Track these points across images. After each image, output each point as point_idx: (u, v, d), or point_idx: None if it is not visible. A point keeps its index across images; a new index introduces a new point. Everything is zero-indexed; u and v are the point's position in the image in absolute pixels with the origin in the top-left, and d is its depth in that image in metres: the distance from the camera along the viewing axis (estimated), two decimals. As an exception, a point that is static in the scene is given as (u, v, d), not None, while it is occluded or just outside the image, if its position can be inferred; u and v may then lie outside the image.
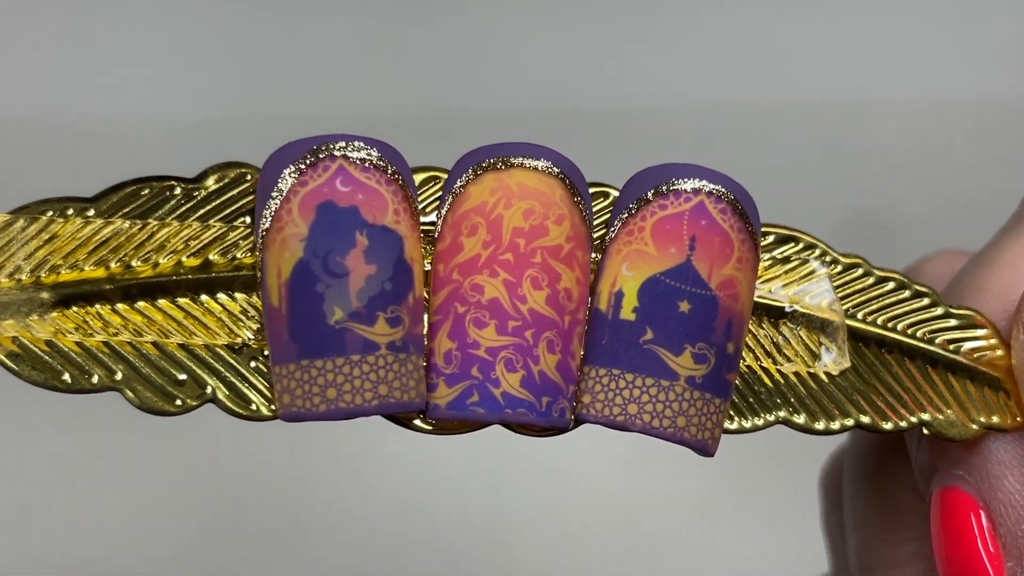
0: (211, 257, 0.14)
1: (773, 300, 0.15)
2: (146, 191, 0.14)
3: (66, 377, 0.14)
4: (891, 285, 0.16)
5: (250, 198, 0.14)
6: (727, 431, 0.15)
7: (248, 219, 0.14)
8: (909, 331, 0.16)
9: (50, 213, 0.14)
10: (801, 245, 0.16)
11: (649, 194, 0.14)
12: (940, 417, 0.16)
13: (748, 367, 0.15)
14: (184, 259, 0.14)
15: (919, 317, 0.16)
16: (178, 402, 0.14)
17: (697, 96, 0.38)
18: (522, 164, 0.14)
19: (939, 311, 0.16)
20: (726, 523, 0.36)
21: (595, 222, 0.15)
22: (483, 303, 0.14)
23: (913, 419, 0.15)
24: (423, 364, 0.14)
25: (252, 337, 0.14)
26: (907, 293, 0.16)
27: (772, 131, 0.38)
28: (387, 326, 0.13)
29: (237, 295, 0.14)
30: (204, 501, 0.36)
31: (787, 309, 0.15)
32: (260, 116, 0.36)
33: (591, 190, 0.15)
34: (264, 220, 0.14)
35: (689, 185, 0.14)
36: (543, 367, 0.14)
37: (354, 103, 0.36)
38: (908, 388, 0.16)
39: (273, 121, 0.35)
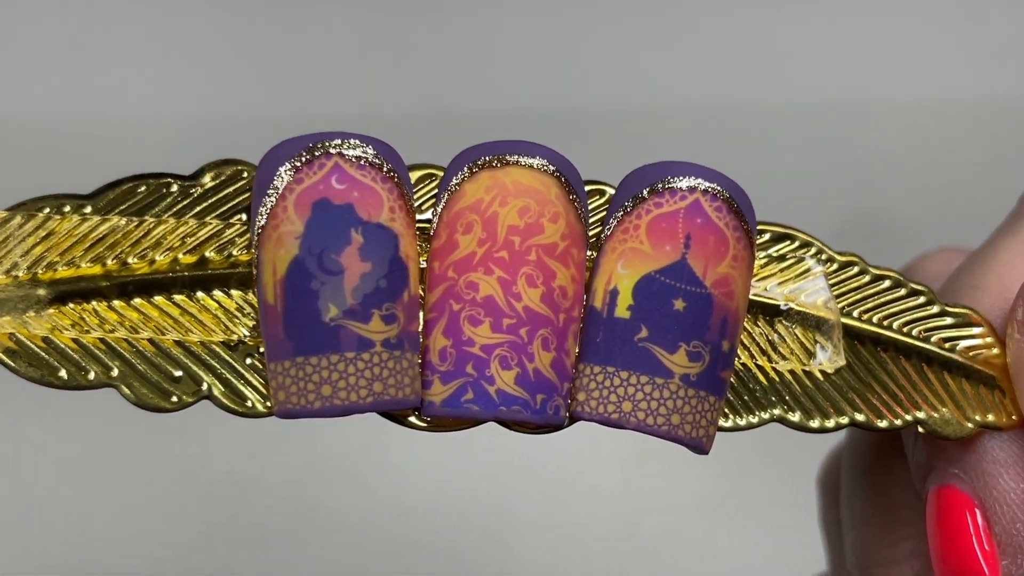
0: (207, 254, 0.14)
1: (769, 298, 0.15)
2: (143, 188, 0.14)
3: (62, 373, 0.14)
4: (887, 283, 0.16)
5: (246, 195, 0.14)
6: (722, 429, 0.15)
7: (244, 216, 0.14)
8: (904, 329, 0.16)
9: (47, 210, 0.14)
10: (797, 243, 0.16)
11: (645, 192, 0.14)
12: (935, 415, 0.16)
13: (743, 365, 0.15)
14: (180, 256, 0.14)
15: (915, 315, 0.16)
16: (174, 399, 0.14)
17: (697, 96, 0.38)
18: (517, 162, 0.14)
19: (935, 309, 0.16)
20: (726, 523, 0.36)
21: (591, 220, 0.15)
22: (478, 300, 0.14)
23: (908, 417, 0.15)
24: (418, 361, 0.14)
25: (248, 334, 0.14)
26: (903, 291, 0.16)
27: (772, 131, 0.38)
28: (382, 323, 0.13)
29: (233, 292, 0.14)
30: (204, 502, 0.36)
31: (782, 307, 0.15)
32: (259, 116, 0.36)
33: (587, 188, 0.15)
34: (260, 217, 0.14)
35: (685, 183, 0.14)
36: (538, 364, 0.14)
37: (354, 103, 0.36)
38: (903, 386, 0.16)
39: (272, 121, 0.35)
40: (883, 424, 0.15)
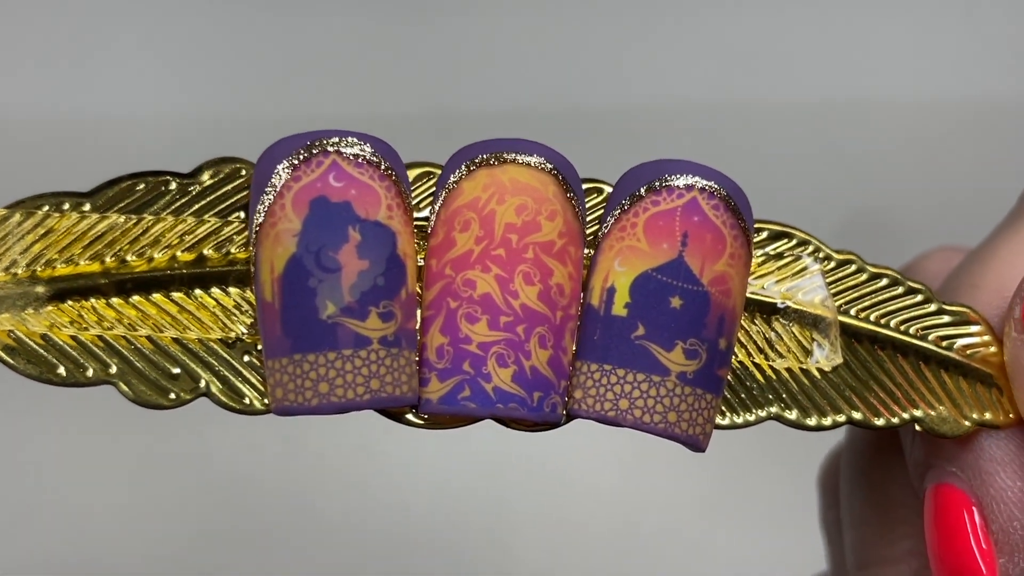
0: (205, 252, 0.14)
1: (766, 296, 0.15)
2: (141, 186, 0.14)
3: (61, 370, 0.14)
4: (884, 281, 0.16)
5: (244, 193, 0.14)
6: (719, 427, 0.15)
7: (242, 214, 0.14)
8: (902, 327, 0.16)
9: (46, 208, 0.14)
10: (794, 241, 0.16)
11: (642, 190, 0.14)
12: (932, 413, 0.16)
13: (740, 363, 0.15)
14: (178, 254, 0.14)
15: (912, 313, 0.16)
16: (172, 396, 0.14)
17: (697, 96, 0.38)
18: (515, 160, 0.14)
19: (932, 308, 0.16)
20: (725, 522, 0.36)
21: (588, 218, 0.15)
22: (475, 298, 0.14)
23: (905, 415, 0.15)
24: (416, 359, 0.14)
25: (245, 331, 0.14)
26: (900, 289, 0.16)
27: (771, 131, 0.38)
28: (379, 321, 0.14)
29: (231, 290, 0.14)
30: (202, 501, 0.36)
31: (779, 305, 0.15)
32: (259, 115, 0.36)
33: (585, 186, 0.15)
34: (258, 215, 0.14)
35: (682, 181, 0.14)
36: (534, 362, 0.14)
37: (354, 103, 0.36)
38: (900, 384, 0.16)
39: (272, 120, 0.35)
40: (880, 422, 0.15)
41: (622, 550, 0.36)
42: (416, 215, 0.15)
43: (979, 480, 0.15)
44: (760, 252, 0.15)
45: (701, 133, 0.38)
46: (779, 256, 0.16)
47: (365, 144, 0.14)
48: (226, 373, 0.14)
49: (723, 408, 0.15)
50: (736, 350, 0.15)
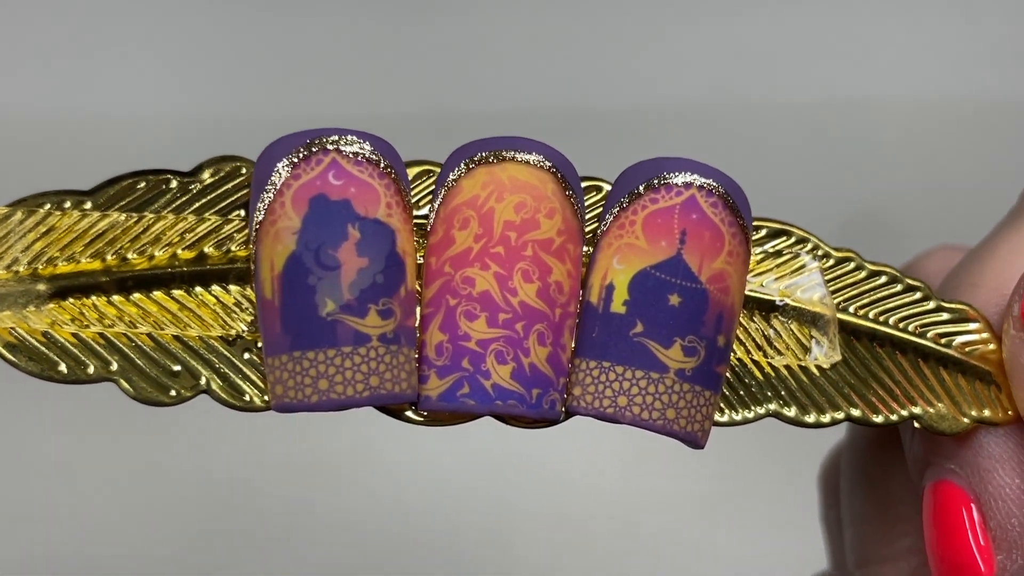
0: (206, 250, 0.14)
1: (764, 294, 0.15)
2: (142, 184, 0.14)
3: (62, 368, 0.14)
4: (883, 279, 0.16)
5: (245, 191, 0.14)
6: (717, 423, 0.15)
7: (243, 212, 0.14)
8: (901, 325, 0.16)
9: (48, 206, 0.14)
10: (793, 239, 0.16)
11: (640, 188, 0.15)
12: (931, 411, 0.16)
13: (739, 360, 0.15)
14: (179, 251, 0.14)
15: (911, 311, 0.16)
16: (173, 393, 0.14)
17: (697, 95, 0.38)
18: (514, 158, 0.14)
19: (931, 305, 0.16)
20: (725, 522, 0.36)
21: (588, 216, 0.15)
22: (474, 296, 0.14)
23: (904, 412, 0.16)
24: (415, 356, 0.14)
25: (246, 329, 0.14)
26: (899, 287, 0.16)
27: (771, 130, 0.38)
28: (378, 318, 0.14)
29: (231, 287, 0.14)
30: (203, 502, 0.36)
31: (778, 302, 0.15)
32: (259, 115, 0.36)
33: (584, 184, 0.15)
34: (258, 213, 0.14)
35: (680, 179, 0.14)
36: (533, 359, 0.14)
37: (354, 103, 0.37)
38: (899, 381, 0.16)
39: (272, 120, 0.35)
40: (879, 419, 0.15)
41: (622, 550, 0.36)
42: (415, 213, 0.15)
43: (977, 477, 0.15)
44: (759, 249, 0.16)
45: (701, 132, 0.38)
46: (778, 253, 0.16)
47: (364, 142, 0.14)
48: (226, 370, 0.14)
49: (722, 405, 0.15)
50: (735, 347, 0.15)
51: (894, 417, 0.15)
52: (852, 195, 0.38)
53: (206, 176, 0.14)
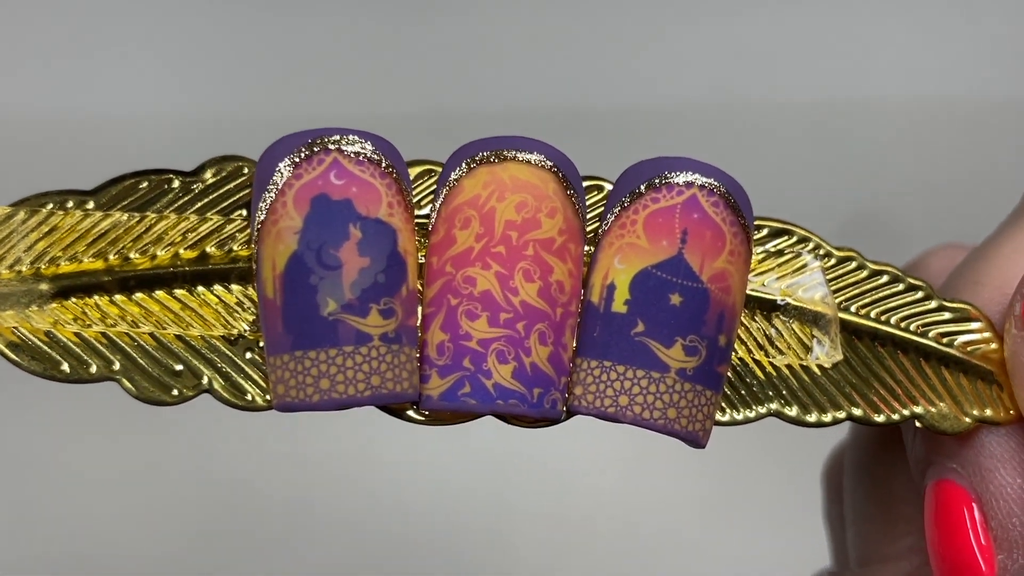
0: (208, 249, 0.14)
1: (766, 293, 0.15)
2: (144, 184, 0.14)
3: (64, 367, 0.14)
4: (885, 278, 0.16)
5: (247, 191, 0.14)
6: (719, 423, 0.15)
7: (245, 212, 0.14)
8: (902, 324, 0.16)
9: (50, 206, 0.14)
10: (795, 238, 0.16)
11: (642, 187, 0.15)
12: (933, 410, 0.16)
13: (740, 359, 0.15)
14: (181, 251, 0.14)
15: (913, 310, 0.16)
16: (175, 392, 0.14)
17: (697, 95, 0.38)
18: (515, 157, 0.14)
19: (933, 304, 0.16)
20: (725, 522, 0.36)
21: (589, 215, 0.15)
22: (475, 295, 0.14)
23: (905, 412, 0.16)
24: (416, 355, 0.14)
25: (248, 328, 0.14)
26: (901, 286, 0.16)
27: (772, 130, 0.38)
28: (380, 318, 0.14)
29: (233, 287, 0.14)
30: (203, 502, 0.36)
31: (780, 302, 0.15)
32: (260, 115, 0.36)
33: (585, 183, 0.15)
34: (260, 213, 0.14)
35: (682, 178, 0.14)
36: (535, 359, 0.14)
37: (354, 103, 0.37)
38: (901, 381, 0.16)
39: (273, 120, 0.35)
40: (880, 419, 0.15)
41: (622, 550, 0.36)
42: (417, 212, 0.15)
43: (979, 477, 0.15)
44: (760, 249, 0.16)
45: (701, 132, 0.38)
46: (779, 253, 0.16)
47: (366, 142, 0.14)
48: (228, 370, 0.14)
49: (723, 404, 0.15)
50: (736, 346, 0.15)
51: (896, 416, 0.16)
52: (852, 195, 0.38)
53: (208, 176, 0.14)
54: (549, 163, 0.14)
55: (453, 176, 0.15)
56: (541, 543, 0.36)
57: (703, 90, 0.38)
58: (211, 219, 0.14)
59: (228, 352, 0.14)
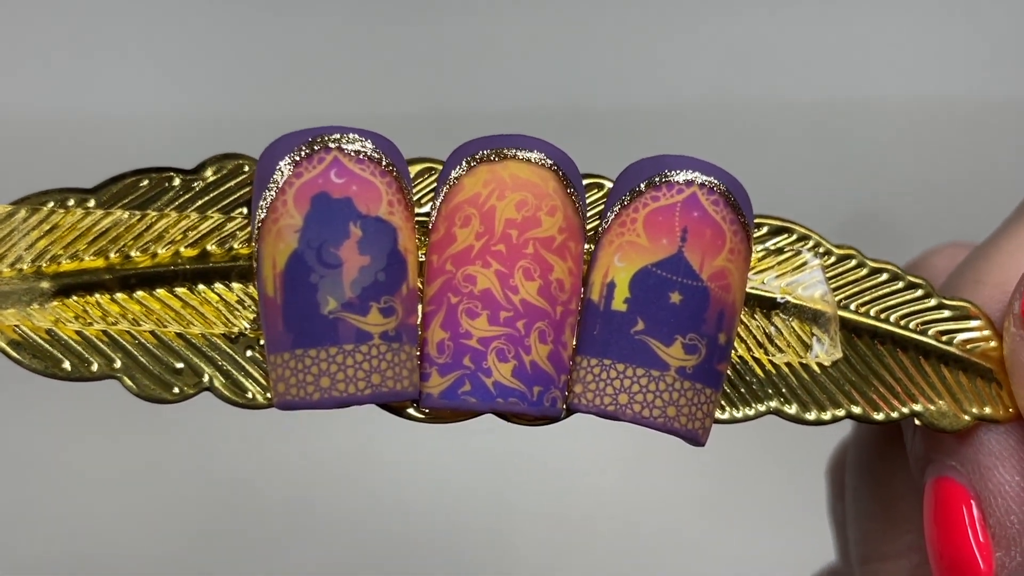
0: (208, 247, 0.14)
1: (766, 291, 0.15)
2: (145, 182, 0.14)
3: (66, 365, 0.14)
4: (884, 276, 0.16)
5: (247, 189, 0.15)
6: (718, 421, 0.15)
7: (245, 210, 0.15)
8: (902, 322, 0.16)
9: (51, 204, 0.14)
10: (794, 236, 0.16)
11: (642, 185, 0.15)
12: (932, 408, 0.16)
13: (740, 357, 0.15)
14: (182, 249, 0.14)
15: (912, 308, 0.16)
16: (176, 390, 0.14)
17: (697, 95, 0.38)
18: (515, 156, 0.14)
19: (932, 302, 0.16)
20: (725, 522, 0.36)
21: (589, 213, 0.15)
22: (475, 293, 0.14)
23: (905, 410, 0.16)
24: (416, 354, 0.14)
25: (248, 326, 0.14)
26: (900, 284, 0.16)
27: (773, 130, 0.38)
28: (380, 316, 0.14)
29: (234, 285, 0.14)
30: (203, 502, 0.36)
31: (779, 300, 0.15)
32: (260, 115, 0.36)
33: (585, 181, 0.15)
34: (260, 211, 0.14)
35: (682, 177, 0.14)
36: (534, 357, 0.14)
37: (354, 103, 0.37)
38: (900, 379, 0.16)
39: (272, 120, 0.35)
40: (880, 417, 0.15)
41: (622, 550, 0.36)
42: (417, 211, 0.15)
43: (978, 474, 0.15)
44: (760, 247, 0.16)
45: (701, 132, 0.38)
46: (779, 251, 0.16)
47: (366, 140, 0.14)
48: (229, 368, 0.14)
49: (723, 402, 0.15)
50: (736, 345, 0.15)
51: (895, 414, 0.16)
52: (852, 195, 0.38)
53: (209, 174, 0.15)
54: (549, 161, 0.14)
55: (453, 174, 0.15)
56: (541, 543, 0.36)
57: (703, 90, 0.38)
58: (212, 217, 0.14)
59: (229, 350, 0.14)
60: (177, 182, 0.14)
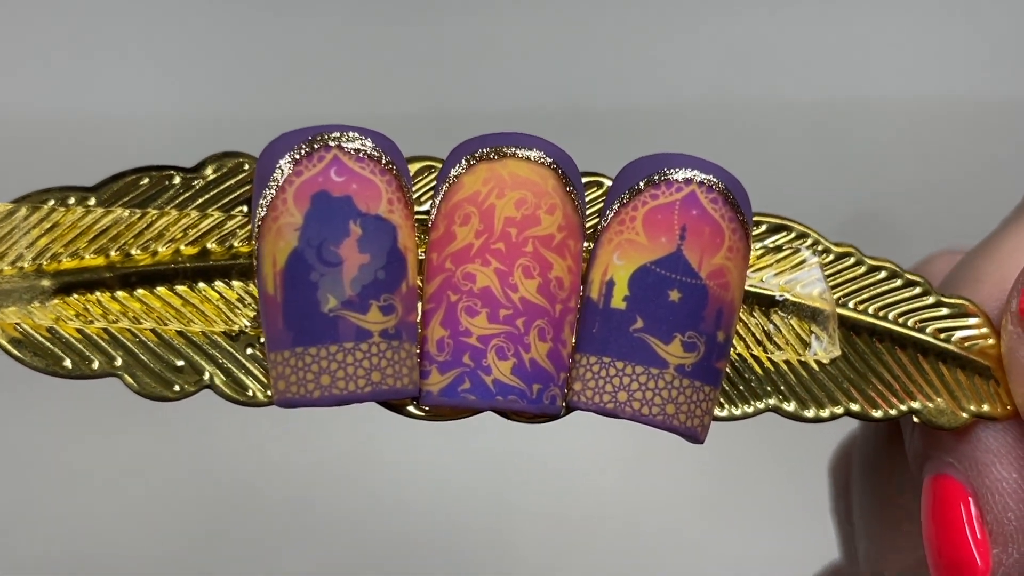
0: (209, 246, 0.14)
1: (764, 289, 0.15)
2: (145, 180, 0.14)
3: (67, 363, 0.14)
4: (883, 274, 0.16)
5: (247, 187, 0.15)
6: (717, 418, 0.15)
7: (245, 208, 0.15)
8: (900, 320, 0.16)
9: (52, 202, 0.14)
10: (793, 234, 0.16)
11: (641, 184, 0.15)
12: (930, 405, 0.16)
13: (739, 355, 0.15)
14: (182, 247, 0.14)
15: (911, 306, 0.16)
16: (176, 388, 0.14)
17: (697, 95, 0.38)
18: (515, 154, 0.14)
19: (931, 300, 0.16)
20: (726, 522, 0.36)
21: (588, 211, 0.15)
22: (475, 291, 0.14)
23: (903, 407, 0.16)
24: (416, 351, 0.14)
25: (248, 324, 0.14)
26: (899, 282, 0.16)
27: (773, 129, 0.38)
28: (380, 314, 0.14)
29: (234, 283, 0.14)
30: (203, 502, 0.36)
31: (778, 298, 0.15)
32: (259, 115, 0.36)
33: (584, 180, 0.15)
34: (260, 209, 0.14)
35: (681, 175, 0.15)
36: (534, 355, 0.14)
37: (354, 103, 0.37)
38: (898, 376, 0.16)
39: (272, 120, 0.35)
40: (878, 414, 0.16)
41: (622, 549, 0.36)
42: (417, 209, 0.15)
43: (975, 471, 0.15)
44: (759, 245, 0.16)
45: (701, 132, 0.38)
46: (778, 249, 0.16)
47: (366, 139, 0.14)
48: (229, 366, 0.14)
49: (721, 400, 0.15)
50: (735, 342, 0.15)
51: (893, 412, 0.16)
52: (852, 195, 0.38)
53: (209, 172, 0.15)
54: (548, 160, 0.14)
55: (453, 173, 0.15)
56: (541, 543, 0.36)
57: (703, 90, 0.38)
58: (212, 215, 0.14)
59: (229, 348, 0.14)
60: (177, 180, 0.14)
